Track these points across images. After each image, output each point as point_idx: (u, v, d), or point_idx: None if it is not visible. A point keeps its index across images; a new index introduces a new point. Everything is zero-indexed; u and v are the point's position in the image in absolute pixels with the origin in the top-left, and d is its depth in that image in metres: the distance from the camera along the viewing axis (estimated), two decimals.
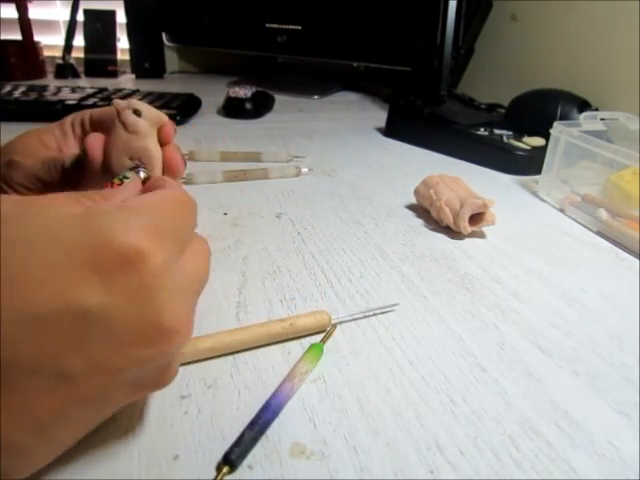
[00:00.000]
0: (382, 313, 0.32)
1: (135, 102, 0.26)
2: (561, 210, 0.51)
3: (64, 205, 0.17)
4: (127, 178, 0.24)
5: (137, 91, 0.84)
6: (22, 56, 1.05)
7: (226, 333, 0.28)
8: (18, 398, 0.15)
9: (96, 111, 0.30)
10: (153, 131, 0.26)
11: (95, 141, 0.26)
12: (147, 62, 1.13)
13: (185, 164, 0.29)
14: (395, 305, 0.33)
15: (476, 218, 0.43)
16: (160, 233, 0.17)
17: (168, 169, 0.27)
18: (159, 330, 0.17)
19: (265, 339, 0.28)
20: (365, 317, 0.32)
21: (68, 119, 0.30)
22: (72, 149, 0.30)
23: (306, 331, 0.29)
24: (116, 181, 0.24)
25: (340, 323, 0.31)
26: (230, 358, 0.27)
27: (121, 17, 1.11)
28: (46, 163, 0.28)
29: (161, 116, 0.26)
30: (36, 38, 1.08)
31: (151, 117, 0.26)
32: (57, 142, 0.30)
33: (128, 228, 0.16)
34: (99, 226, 0.16)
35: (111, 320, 0.15)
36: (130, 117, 0.25)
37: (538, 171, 0.56)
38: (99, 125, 0.29)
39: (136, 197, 0.21)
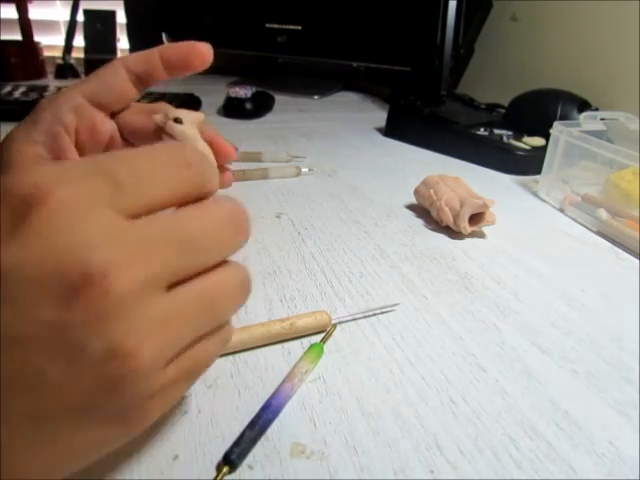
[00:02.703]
0: (382, 313, 0.32)
1: (171, 110, 0.25)
2: (561, 210, 0.51)
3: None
4: None
5: None
6: (22, 56, 1.05)
7: None
8: None
9: (90, 87, 0.24)
10: (197, 131, 0.25)
11: None
12: None
13: (236, 148, 0.26)
14: (395, 305, 0.33)
15: (476, 218, 0.43)
16: (74, 173, 0.15)
17: (219, 154, 0.25)
18: (62, 280, 0.14)
19: (265, 339, 0.28)
20: (365, 317, 0.32)
21: (48, 115, 0.24)
22: (69, 156, 0.24)
23: (306, 331, 0.29)
24: None
25: (340, 323, 0.31)
26: (230, 358, 0.27)
27: (121, 17, 1.11)
28: None
29: (198, 115, 0.25)
30: (36, 38, 1.08)
31: (192, 119, 0.25)
32: (49, 151, 0.24)
33: (25, 175, 0.14)
34: None
35: (8, 279, 0.13)
36: (176, 128, 0.24)
37: (538, 171, 0.56)
38: (109, 98, 0.25)
39: None
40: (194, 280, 0.17)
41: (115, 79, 0.25)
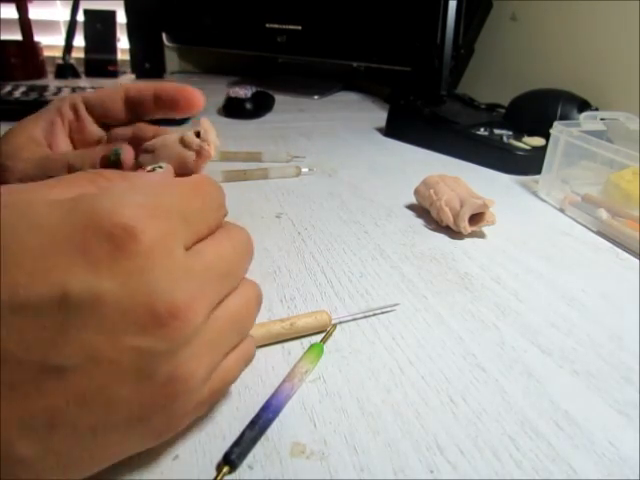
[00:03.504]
0: (382, 313, 0.32)
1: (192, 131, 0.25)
2: (561, 210, 0.51)
3: (55, 192, 0.17)
4: (161, 167, 0.23)
5: None
6: (22, 56, 1.05)
7: None
8: (4, 395, 0.14)
9: (91, 95, 0.28)
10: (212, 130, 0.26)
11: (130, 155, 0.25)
12: (147, 62, 1.13)
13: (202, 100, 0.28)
14: (395, 305, 0.33)
15: (476, 218, 0.43)
16: (158, 210, 0.16)
17: (186, 102, 0.27)
18: (151, 313, 0.15)
19: (265, 339, 0.28)
20: (365, 317, 0.32)
21: (52, 106, 0.28)
22: (60, 140, 0.28)
23: (306, 331, 0.29)
24: (148, 168, 0.23)
25: (340, 323, 0.31)
26: None
27: (121, 17, 1.11)
28: (39, 164, 0.25)
29: (148, 89, 0.26)
30: (36, 38, 1.08)
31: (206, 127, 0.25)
32: (45, 135, 0.27)
33: (119, 206, 0.15)
34: (86, 207, 0.15)
35: (99, 305, 0.14)
36: (195, 141, 0.25)
37: (538, 171, 0.56)
38: (101, 110, 0.27)
39: (144, 175, 0.20)
40: (228, 301, 0.19)
41: (110, 97, 0.28)
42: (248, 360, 0.21)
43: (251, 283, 0.21)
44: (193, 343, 0.17)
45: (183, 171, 0.24)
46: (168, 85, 0.27)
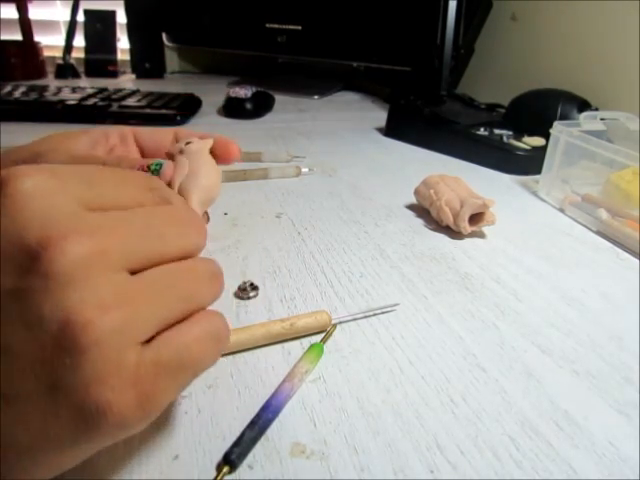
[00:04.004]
0: (382, 313, 0.32)
1: (183, 140, 0.27)
2: (561, 210, 0.51)
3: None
4: (161, 165, 0.25)
5: (137, 91, 0.85)
6: (22, 56, 1.05)
7: None
8: None
9: (143, 129, 0.29)
10: (206, 149, 0.27)
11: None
12: (147, 62, 1.13)
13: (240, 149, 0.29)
14: (395, 305, 0.33)
15: (476, 218, 0.43)
16: (48, 168, 0.16)
17: (225, 153, 0.27)
18: (22, 248, 0.14)
19: (265, 339, 0.28)
20: (365, 317, 0.32)
21: (101, 130, 0.29)
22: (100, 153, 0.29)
23: (306, 331, 0.29)
24: (152, 167, 0.25)
25: (340, 323, 0.31)
26: (230, 358, 0.27)
27: (121, 17, 1.11)
28: (76, 159, 0.26)
29: (208, 140, 0.27)
30: (36, 38, 1.08)
31: (202, 143, 0.27)
32: (84, 149, 0.28)
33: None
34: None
35: None
36: (188, 147, 0.26)
37: (538, 171, 0.56)
38: (153, 145, 0.29)
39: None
40: (161, 266, 0.17)
41: (162, 136, 0.29)
42: (216, 338, 0.18)
43: (205, 259, 0.19)
44: (85, 287, 0.15)
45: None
46: (219, 138, 0.28)
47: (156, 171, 0.25)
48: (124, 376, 0.15)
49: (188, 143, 0.26)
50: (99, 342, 0.14)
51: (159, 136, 0.29)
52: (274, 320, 0.29)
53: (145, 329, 0.16)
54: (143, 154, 0.29)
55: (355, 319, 0.31)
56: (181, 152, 0.26)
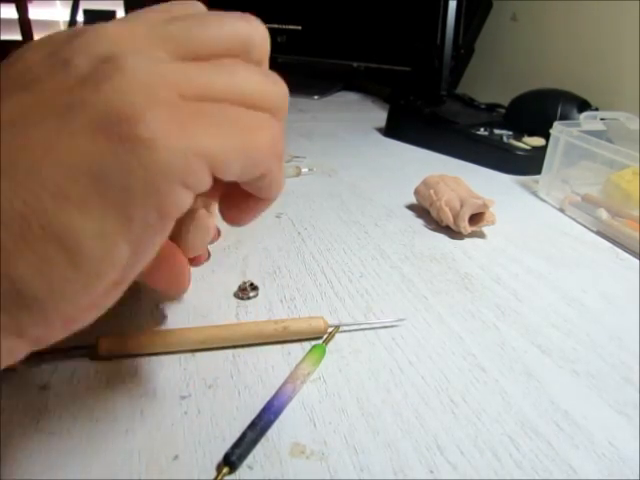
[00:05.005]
0: (384, 327, 0.31)
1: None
2: (561, 210, 0.51)
3: None
4: None
5: None
6: None
7: (217, 327, 0.28)
8: None
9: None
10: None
11: None
12: None
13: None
14: (401, 320, 0.31)
15: (476, 218, 0.43)
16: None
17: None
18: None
19: (257, 338, 0.28)
20: (363, 330, 0.31)
21: None
22: None
23: (300, 335, 0.29)
24: None
25: (339, 332, 0.30)
26: (230, 358, 0.27)
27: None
28: None
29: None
30: (36, 38, 1.08)
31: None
32: None
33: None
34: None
35: None
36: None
37: (538, 171, 0.56)
38: None
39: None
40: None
41: None
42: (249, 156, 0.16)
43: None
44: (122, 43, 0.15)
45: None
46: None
47: None
48: (155, 98, 0.14)
49: None
50: (129, 69, 0.14)
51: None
52: (268, 321, 0.29)
53: (189, 80, 0.15)
54: None
55: (353, 330, 0.30)
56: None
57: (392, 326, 0.31)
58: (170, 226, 0.15)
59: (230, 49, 0.17)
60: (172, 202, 0.14)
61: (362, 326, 0.31)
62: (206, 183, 0.15)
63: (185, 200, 0.15)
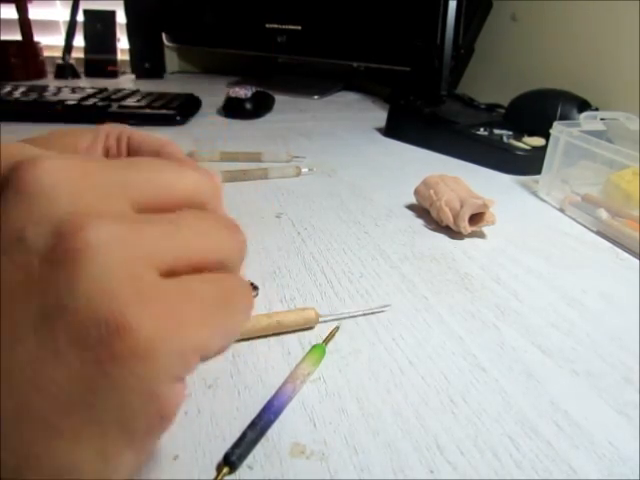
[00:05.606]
0: (372, 313, 0.32)
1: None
2: (561, 210, 0.51)
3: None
4: None
5: (137, 91, 0.84)
6: (22, 56, 1.05)
7: None
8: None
9: (138, 137, 0.28)
10: None
11: None
12: (147, 62, 1.13)
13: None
14: (386, 306, 0.33)
15: (476, 218, 0.43)
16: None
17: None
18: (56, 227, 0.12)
19: (251, 333, 0.28)
20: (352, 317, 0.32)
21: (104, 128, 0.28)
22: (97, 151, 0.28)
23: (293, 327, 0.29)
24: None
25: (326, 322, 0.30)
26: (230, 358, 0.27)
27: (121, 17, 1.11)
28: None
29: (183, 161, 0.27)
30: (36, 38, 1.08)
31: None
32: (87, 146, 0.27)
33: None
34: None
35: None
36: None
37: (538, 171, 0.56)
38: (135, 153, 0.28)
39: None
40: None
41: (146, 146, 0.28)
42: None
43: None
44: (71, 196, 0.13)
45: None
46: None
47: None
48: (141, 291, 0.12)
49: None
50: (98, 247, 0.12)
51: (145, 145, 0.28)
52: (261, 314, 0.29)
53: (157, 250, 0.13)
54: (128, 156, 0.28)
55: (340, 318, 0.31)
56: None
57: (379, 311, 0.32)
58: (173, 420, 0.14)
59: (189, 198, 0.16)
60: (173, 402, 0.13)
61: (353, 314, 0.31)
62: (195, 367, 0.14)
63: (182, 390, 0.14)
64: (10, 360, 0.12)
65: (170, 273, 0.14)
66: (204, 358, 0.14)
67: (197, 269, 0.14)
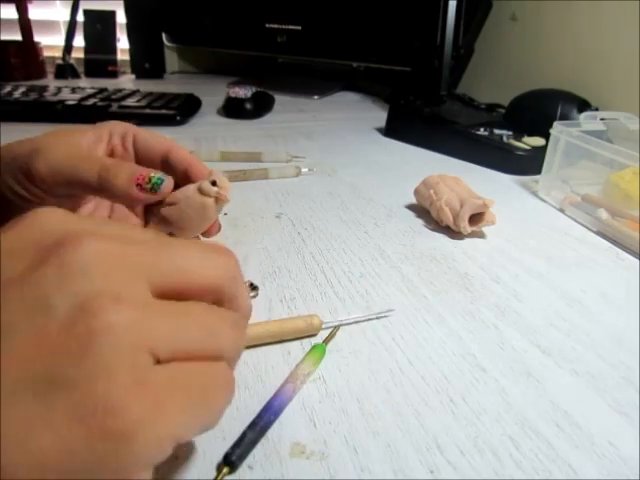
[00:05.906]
0: (377, 318, 0.32)
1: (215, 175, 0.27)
2: (561, 210, 0.51)
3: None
4: (163, 181, 0.25)
5: (137, 91, 0.84)
6: (22, 56, 1.05)
7: None
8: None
9: (143, 136, 0.28)
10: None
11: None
12: (147, 62, 1.13)
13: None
14: (390, 311, 0.32)
15: (476, 218, 0.43)
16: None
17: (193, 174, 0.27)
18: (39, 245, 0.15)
19: (253, 341, 0.28)
20: (356, 322, 0.31)
21: (107, 126, 0.29)
22: (99, 149, 0.28)
23: (295, 335, 0.29)
24: (147, 186, 0.24)
25: (328, 328, 0.30)
26: None
27: (121, 17, 1.11)
28: (72, 155, 0.25)
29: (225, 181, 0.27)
30: (36, 38, 1.08)
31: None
32: (88, 145, 0.27)
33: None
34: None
35: None
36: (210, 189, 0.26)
37: (538, 171, 0.56)
38: (143, 153, 0.28)
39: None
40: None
41: (154, 145, 0.28)
42: (226, 390, 0.17)
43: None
44: (102, 278, 0.14)
45: (204, 215, 0.26)
46: (200, 168, 0.28)
47: (157, 185, 0.24)
48: (137, 376, 0.14)
49: (214, 183, 0.26)
50: (112, 331, 0.13)
51: (151, 144, 0.28)
52: (261, 322, 0.29)
53: (161, 340, 0.15)
54: (136, 157, 0.28)
55: (344, 324, 0.31)
56: (201, 191, 0.26)
57: (384, 316, 0.32)
58: None
59: (209, 287, 0.17)
60: None
61: (357, 319, 0.31)
62: (168, 454, 0.15)
63: (149, 474, 0.15)
64: (3, 415, 0.13)
65: (165, 360, 0.15)
66: (179, 443, 0.15)
67: (192, 358, 0.16)
